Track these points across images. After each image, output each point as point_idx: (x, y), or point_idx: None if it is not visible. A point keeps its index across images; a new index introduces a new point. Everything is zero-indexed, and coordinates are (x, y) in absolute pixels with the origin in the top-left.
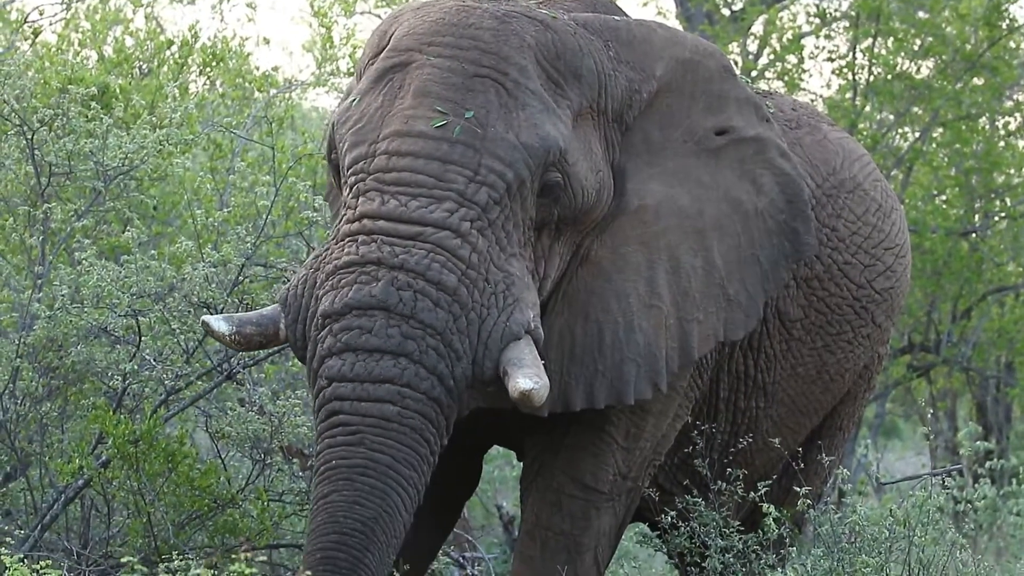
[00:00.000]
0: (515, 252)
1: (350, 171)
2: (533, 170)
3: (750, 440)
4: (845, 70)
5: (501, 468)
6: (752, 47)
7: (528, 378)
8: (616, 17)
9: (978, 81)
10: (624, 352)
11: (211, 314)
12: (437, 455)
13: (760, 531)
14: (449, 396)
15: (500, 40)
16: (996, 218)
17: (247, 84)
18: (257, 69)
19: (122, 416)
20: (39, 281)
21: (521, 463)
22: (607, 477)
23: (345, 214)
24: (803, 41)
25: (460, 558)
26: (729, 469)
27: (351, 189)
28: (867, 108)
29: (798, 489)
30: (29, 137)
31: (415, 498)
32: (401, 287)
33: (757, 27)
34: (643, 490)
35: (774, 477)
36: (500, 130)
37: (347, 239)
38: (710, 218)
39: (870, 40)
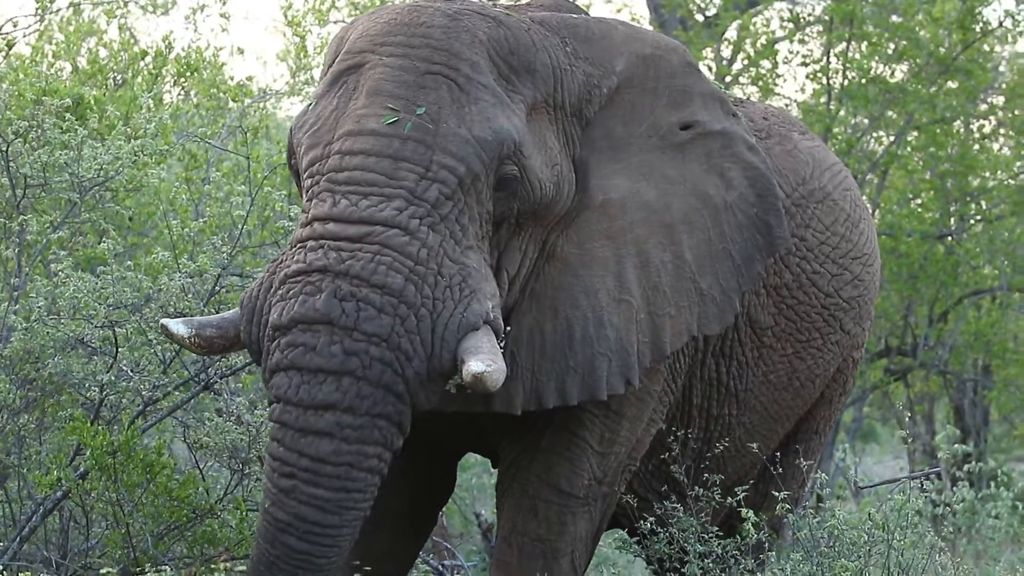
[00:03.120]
0: (471, 245)
1: (306, 174)
2: (487, 163)
3: (725, 446)
4: (819, 75)
5: (479, 476)
6: (726, 52)
7: (481, 361)
8: (575, 15)
9: (952, 84)
10: (595, 347)
11: None
12: (383, 471)
13: (739, 536)
14: (399, 402)
15: (451, 37)
16: (972, 221)
17: (221, 94)
18: (231, 79)
19: (100, 427)
20: (15, 293)
21: (497, 470)
22: (582, 482)
23: (301, 218)
24: (777, 46)
25: (439, 566)
26: (706, 475)
27: (307, 192)
28: (842, 112)
29: (776, 494)
30: (4, 149)
31: (347, 538)
32: (344, 297)
33: (731, 32)
34: (619, 495)
35: (751, 482)
36: (452, 125)
37: (298, 244)
38: (678, 212)
39: (844, 44)
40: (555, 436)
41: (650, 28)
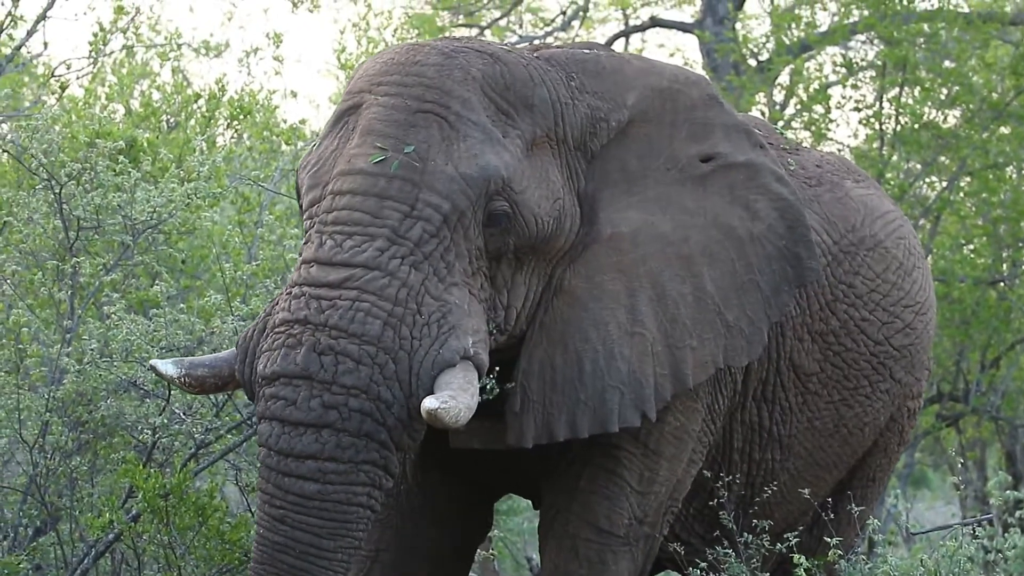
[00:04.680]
0: (456, 281)
1: (305, 215)
2: (473, 200)
3: (772, 490)
4: (872, 120)
5: (530, 519)
6: (779, 97)
7: (436, 398)
8: (586, 51)
9: (1005, 130)
10: (606, 380)
11: None
12: (376, 506)
13: None
14: (383, 448)
15: (444, 75)
16: None
17: (274, 137)
18: (284, 122)
19: (152, 470)
20: (68, 335)
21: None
22: (622, 520)
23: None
24: (830, 91)
25: None
26: (755, 521)
27: (305, 233)
28: (894, 158)
29: (829, 540)
30: (57, 191)
31: (342, 563)
32: (323, 351)
33: (784, 77)
34: (661, 538)
35: (800, 528)
36: (440, 163)
37: (287, 290)
38: (697, 244)
39: (897, 89)
40: (593, 475)
41: (707, 76)
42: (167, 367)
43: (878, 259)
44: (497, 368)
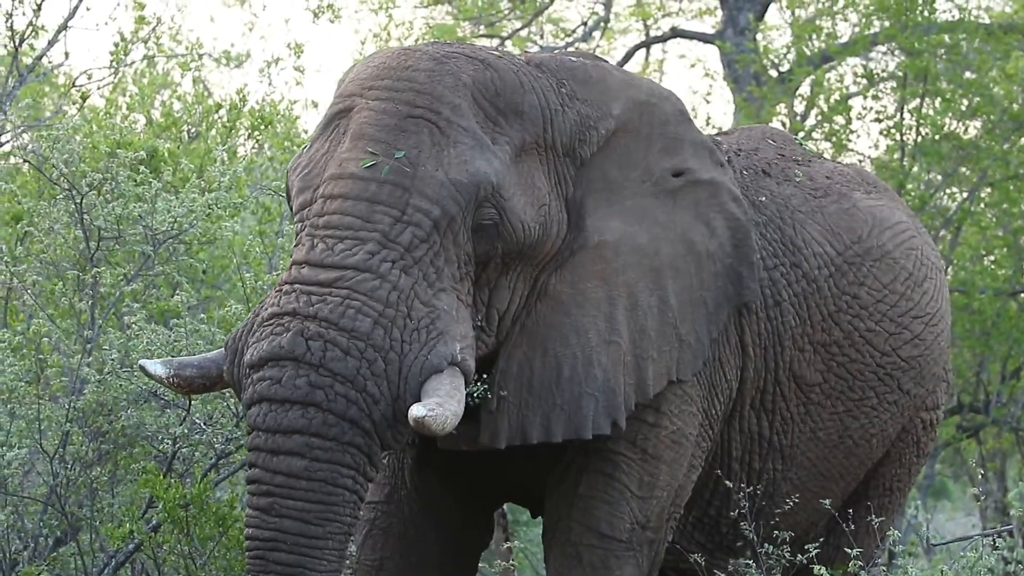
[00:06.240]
0: (444, 287)
1: (296, 217)
2: (463, 206)
3: (772, 500)
4: (893, 130)
5: None
6: (799, 108)
7: (423, 405)
8: (573, 59)
9: None
10: (582, 387)
11: None
12: (361, 492)
13: None
14: (367, 437)
15: (435, 80)
16: None
17: (295, 147)
18: (305, 132)
19: (172, 480)
20: (88, 345)
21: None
22: (624, 525)
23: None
24: (850, 102)
25: None
26: (776, 532)
27: (296, 235)
28: (915, 169)
29: (849, 551)
30: (78, 201)
31: (333, 551)
32: (311, 337)
33: (804, 88)
34: (665, 544)
35: (811, 538)
36: (430, 168)
37: (278, 289)
38: (666, 257)
39: (917, 100)
40: (592, 481)
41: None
42: (156, 367)
43: (885, 270)
44: (485, 375)
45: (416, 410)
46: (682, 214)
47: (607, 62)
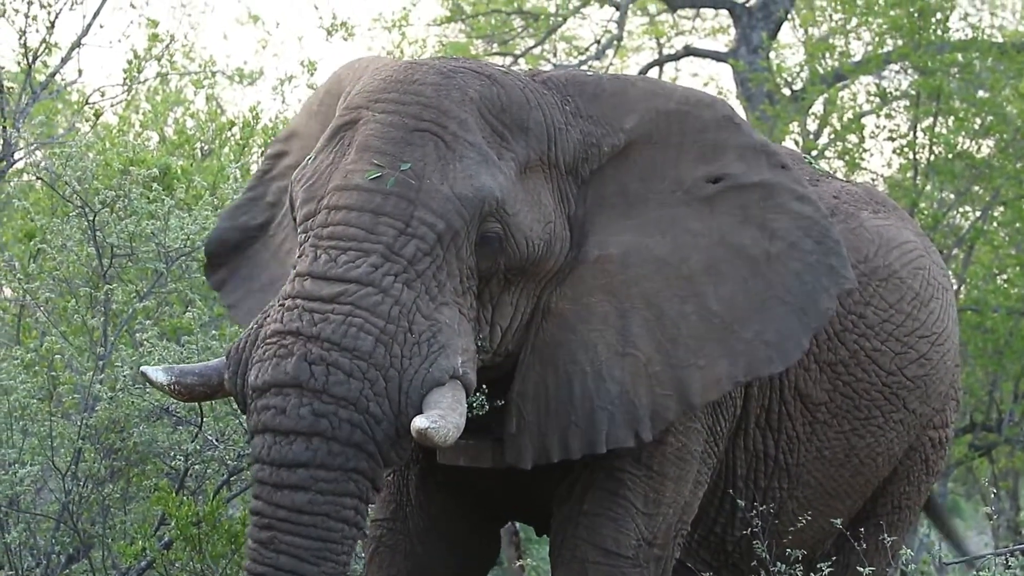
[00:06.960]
0: (447, 301)
1: (300, 228)
2: (468, 220)
3: (787, 519)
4: (906, 149)
5: None
6: (812, 126)
7: (426, 417)
8: (588, 73)
9: None
10: (595, 401)
11: None
12: (361, 523)
13: None
14: (371, 460)
15: (442, 95)
16: None
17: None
18: None
19: (185, 497)
20: (101, 362)
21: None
22: (630, 542)
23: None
24: (863, 120)
25: None
26: (788, 550)
27: (299, 246)
28: (928, 187)
29: (860, 568)
30: (91, 218)
31: None
32: (314, 361)
33: (817, 106)
34: (673, 561)
35: (819, 555)
36: (435, 182)
37: (280, 302)
38: (698, 263)
39: (930, 119)
40: (597, 498)
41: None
42: (157, 374)
43: (892, 289)
44: (484, 387)
45: (419, 422)
46: (722, 219)
47: (637, 76)
